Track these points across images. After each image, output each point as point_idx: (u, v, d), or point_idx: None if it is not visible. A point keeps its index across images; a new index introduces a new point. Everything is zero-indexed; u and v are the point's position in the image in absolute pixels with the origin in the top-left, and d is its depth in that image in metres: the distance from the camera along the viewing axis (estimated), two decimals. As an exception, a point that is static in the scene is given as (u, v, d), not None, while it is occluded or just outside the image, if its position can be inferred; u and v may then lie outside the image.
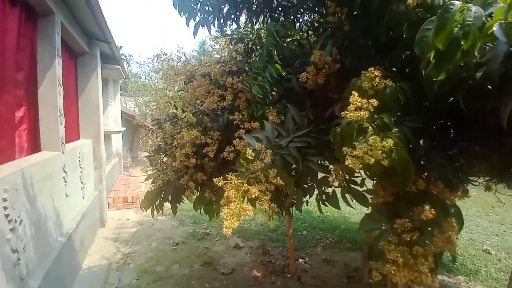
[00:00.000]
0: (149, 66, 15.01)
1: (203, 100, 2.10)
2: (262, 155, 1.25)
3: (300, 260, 4.80)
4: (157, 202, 2.75)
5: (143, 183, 9.47)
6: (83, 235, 4.46)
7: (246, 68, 2.03)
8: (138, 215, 6.65)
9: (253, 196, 1.12)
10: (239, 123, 1.92)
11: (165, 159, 2.89)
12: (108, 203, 6.69)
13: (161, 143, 2.70)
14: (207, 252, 4.95)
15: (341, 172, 1.40)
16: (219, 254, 4.90)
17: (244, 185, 1.15)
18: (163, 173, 2.41)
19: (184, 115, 2.09)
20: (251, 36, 3.09)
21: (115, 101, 8.98)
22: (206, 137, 2.08)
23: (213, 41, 2.97)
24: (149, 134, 15.08)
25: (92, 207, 5.21)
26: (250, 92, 1.90)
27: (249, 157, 1.22)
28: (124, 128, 8.93)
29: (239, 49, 2.00)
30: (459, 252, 5.07)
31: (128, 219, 6.33)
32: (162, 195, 2.70)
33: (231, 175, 1.18)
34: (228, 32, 3.30)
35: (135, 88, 14.36)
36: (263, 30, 3.20)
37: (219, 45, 2.98)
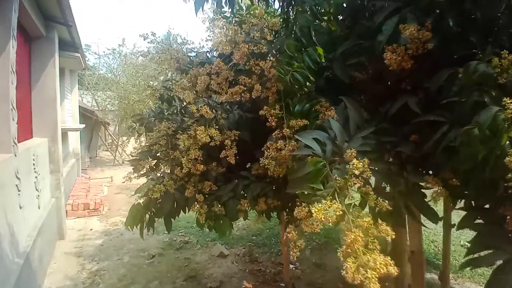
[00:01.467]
0: (109, 57, 13.80)
1: (220, 90, 1.66)
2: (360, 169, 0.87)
3: (291, 266, 4.49)
4: (146, 218, 2.25)
5: (105, 186, 8.60)
6: (41, 252, 3.73)
7: (274, 52, 1.63)
8: (103, 224, 5.90)
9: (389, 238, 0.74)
10: (270, 120, 1.52)
11: (155, 165, 2.39)
12: (67, 211, 5.85)
13: (151, 145, 2.19)
14: (188, 264, 4.45)
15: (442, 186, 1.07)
16: (203, 265, 4.43)
17: (366, 219, 0.75)
18: (158, 182, 1.92)
19: (197, 108, 1.63)
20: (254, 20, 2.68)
21: (72, 94, 7.97)
22: (223, 137, 1.66)
23: (210, 23, 2.52)
24: (107, 131, 13.90)
25: (49, 217, 4.44)
26: (285, 80, 1.52)
27: (356, 169, 0.83)
28: (84, 125, 7.97)
29: (274, 26, 1.59)
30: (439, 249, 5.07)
31: (91, 229, 5.56)
32: (153, 210, 2.21)
33: (331, 201, 0.78)
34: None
35: (94, 81, 13.07)
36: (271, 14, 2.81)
37: (220, 28, 2.55)
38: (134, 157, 2.45)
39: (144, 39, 2.35)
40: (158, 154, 2.30)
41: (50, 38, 4.78)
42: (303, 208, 0.85)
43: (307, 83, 1.63)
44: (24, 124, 4.19)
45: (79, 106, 8.75)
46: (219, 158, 1.98)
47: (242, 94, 1.57)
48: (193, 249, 4.96)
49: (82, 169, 8.98)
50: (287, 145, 1.27)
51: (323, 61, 1.58)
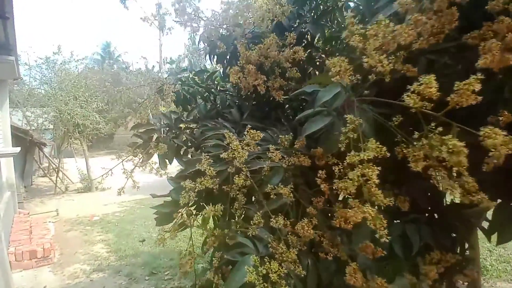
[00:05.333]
0: (42, 68, 11.77)
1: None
2: None
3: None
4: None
5: (51, 222, 6.99)
6: None
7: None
8: (59, 276, 4.52)
9: None
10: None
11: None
12: (10, 262, 4.36)
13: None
14: (191, 321, 3.45)
15: None
16: (210, 319, 3.46)
17: None
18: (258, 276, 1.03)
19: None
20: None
21: (2, 111, 6.32)
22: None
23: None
24: (43, 153, 11.75)
25: (-14, 283, 3.11)
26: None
27: None
28: (19, 149, 6.32)
29: None
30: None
31: (45, 287, 4.18)
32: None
33: None
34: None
35: (25, 95, 10.99)
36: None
37: None
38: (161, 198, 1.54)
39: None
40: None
41: (-22, 33, 3.50)
42: None
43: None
44: None
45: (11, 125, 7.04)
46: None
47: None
48: (191, 297, 3.95)
49: (17, 203, 7.19)
50: None
51: None
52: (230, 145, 1.15)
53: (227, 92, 2.19)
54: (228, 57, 1.76)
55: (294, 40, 1.34)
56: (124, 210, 8.15)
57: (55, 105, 10.38)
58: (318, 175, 1.02)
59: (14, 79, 7.10)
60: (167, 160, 1.88)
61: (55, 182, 10.51)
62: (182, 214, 1.41)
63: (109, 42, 33.68)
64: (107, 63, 25.82)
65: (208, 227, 1.43)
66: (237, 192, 1.21)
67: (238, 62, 1.42)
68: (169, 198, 1.50)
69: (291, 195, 1.05)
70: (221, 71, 2.18)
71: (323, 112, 0.99)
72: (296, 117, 1.08)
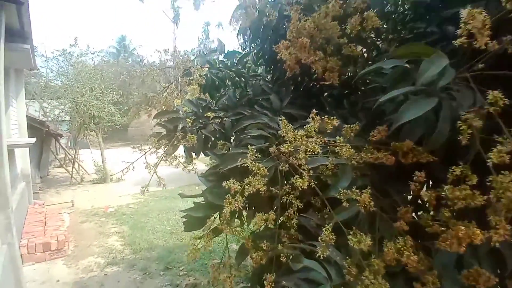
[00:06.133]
0: (58, 60, 11.74)
1: None
2: None
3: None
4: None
5: (66, 213, 6.94)
6: None
7: None
8: (72, 269, 4.40)
9: None
10: None
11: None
12: (22, 255, 4.27)
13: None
14: (209, 324, 3.26)
15: None
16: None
17: None
18: None
19: None
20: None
21: (18, 101, 6.24)
22: None
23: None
24: (59, 145, 11.82)
25: (2, 275, 2.98)
26: None
27: None
28: (35, 139, 6.26)
29: None
30: None
31: (58, 281, 4.06)
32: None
33: None
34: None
35: (42, 87, 11.01)
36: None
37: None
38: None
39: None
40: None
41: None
42: None
43: None
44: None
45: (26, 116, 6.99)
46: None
47: None
48: (209, 297, 3.77)
49: (33, 193, 7.16)
50: None
51: None
52: (286, 136, 0.90)
53: (259, 77, 1.93)
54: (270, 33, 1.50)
55: (365, 4, 1.07)
56: (138, 202, 8.05)
57: (71, 97, 10.34)
58: (415, 178, 0.76)
59: (30, 69, 7.02)
60: (193, 154, 1.65)
61: (71, 173, 10.54)
62: (215, 219, 1.18)
63: (124, 36, 33.86)
64: (122, 57, 25.91)
65: (246, 235, 1.19)
66: (290, 196, 0.96)
67: (287, 36, 1.16)
68: (200, 199, 1.27)
69: (372, 203, 0.79)
70: (253, 53, 1.92)
71: (427, 91, 0.71)
72: (379, 100, 0.81)
